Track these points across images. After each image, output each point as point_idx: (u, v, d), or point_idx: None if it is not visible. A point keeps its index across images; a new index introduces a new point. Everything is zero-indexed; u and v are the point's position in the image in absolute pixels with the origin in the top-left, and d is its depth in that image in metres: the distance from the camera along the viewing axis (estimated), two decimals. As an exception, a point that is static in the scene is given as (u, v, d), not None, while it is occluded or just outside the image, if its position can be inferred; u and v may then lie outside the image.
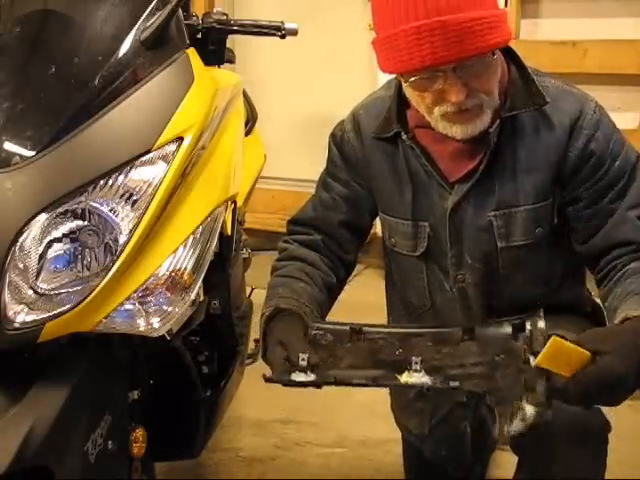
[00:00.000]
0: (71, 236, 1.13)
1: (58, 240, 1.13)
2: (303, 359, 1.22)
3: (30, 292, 1.11)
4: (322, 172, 1.55)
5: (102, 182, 1.14)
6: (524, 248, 1.40)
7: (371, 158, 1.46)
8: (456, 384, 1.18)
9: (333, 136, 1.52)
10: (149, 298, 1.18)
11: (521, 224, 1.38)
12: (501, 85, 1.34)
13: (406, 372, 1.20)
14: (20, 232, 1.11)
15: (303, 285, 1.43)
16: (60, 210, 1.12)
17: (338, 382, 1.22)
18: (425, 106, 1.31)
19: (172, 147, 1.19)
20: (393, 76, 1.40)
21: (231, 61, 1.78)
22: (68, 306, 1.12)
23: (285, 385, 1.23)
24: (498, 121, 1.33)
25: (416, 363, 1.20)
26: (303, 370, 1.22)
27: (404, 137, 1.40)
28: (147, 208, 1.16)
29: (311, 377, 1.22)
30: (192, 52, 1.33)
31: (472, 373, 1.18)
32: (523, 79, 1.36)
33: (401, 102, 1.40)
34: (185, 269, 1.22)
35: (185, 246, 1.22)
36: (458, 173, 1.38)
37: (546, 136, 1.35)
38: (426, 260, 1.47)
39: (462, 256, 1.43)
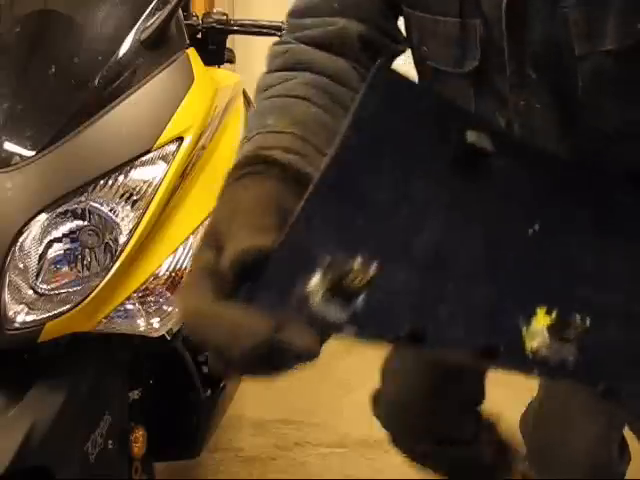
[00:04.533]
0: (71, 236, 1.13)
1: (58, 240, 1.13)
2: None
3: (30, 292, 1.11)
4: None
5: (102, 182, 1.14)
6: (617, 56, 0.83)
7: None
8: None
9: None
10: (149, 298, 1.18)
11: (614, 17, 0.81)
12: None
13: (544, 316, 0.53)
14: (20, 232, 1.10)
15: (315, 110, 0.79)
16: (60, 210, 1.12)
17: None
18: None
19: (172, 147, 1.19)
20: None
21: (231, 61, 1.78)
22: (68, 306, 1.12)
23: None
24: None
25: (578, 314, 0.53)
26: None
27: None
28: (147, 208, 1.16)
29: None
30: (192, 52, 1.33)
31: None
32: None
33: None
34: (185, 269, 1.22)
35: (185, 246, 1.22)
36: None
37: None
38: (475, 81, 0.90)
39: (524, 69, 0.86)
